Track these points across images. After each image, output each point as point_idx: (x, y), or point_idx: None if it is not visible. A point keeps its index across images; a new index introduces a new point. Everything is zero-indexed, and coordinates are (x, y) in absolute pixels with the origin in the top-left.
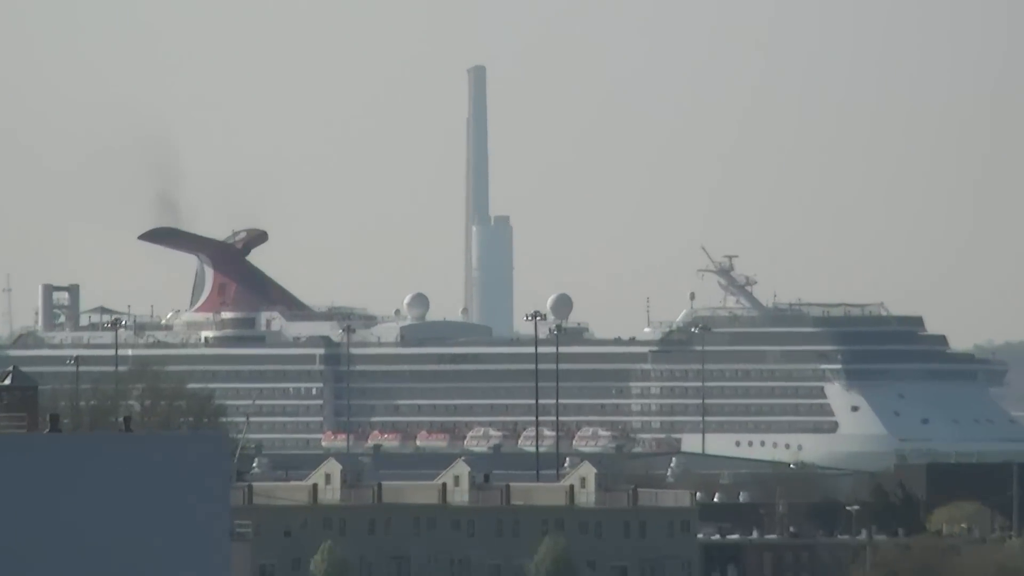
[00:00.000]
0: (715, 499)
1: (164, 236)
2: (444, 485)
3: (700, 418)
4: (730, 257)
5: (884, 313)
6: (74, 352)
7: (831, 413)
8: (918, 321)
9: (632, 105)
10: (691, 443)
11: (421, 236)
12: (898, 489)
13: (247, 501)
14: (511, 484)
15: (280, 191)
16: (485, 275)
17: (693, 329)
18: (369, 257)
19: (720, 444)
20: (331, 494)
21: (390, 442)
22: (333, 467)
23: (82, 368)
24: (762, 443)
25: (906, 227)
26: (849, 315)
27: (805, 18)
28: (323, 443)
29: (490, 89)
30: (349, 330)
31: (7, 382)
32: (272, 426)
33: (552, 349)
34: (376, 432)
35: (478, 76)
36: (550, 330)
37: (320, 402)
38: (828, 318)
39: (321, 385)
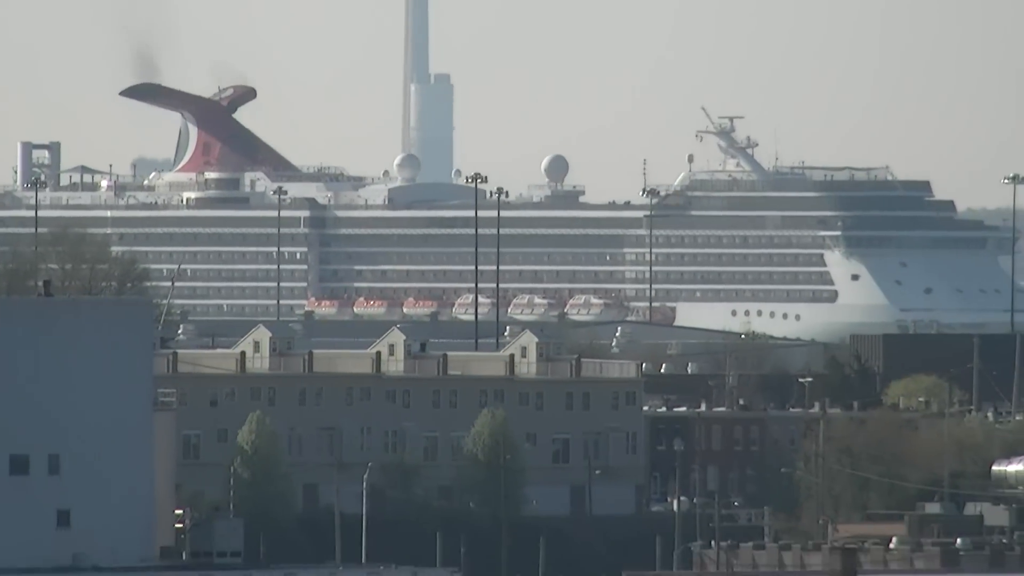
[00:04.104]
0: (662, 370)
1: (146, 93)
2: (378, 354)
3: (696, 286)
4: (731, 118)
5: (889, 177)
6: (53, 213)
7: (831, 282)
8: (925, 186)
9: None
10: (687, 312)
11: (358, 94)
12: (853, 361)
13: (171, 369)
14: (448, 354)
15: (266, 46)
16: (423, 136)
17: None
18: (324, 116)
19: (716, 314)
20: (260, 363)
21: (376, 309)
22: (262, 334)
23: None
24: (759, 312)
25: (918, 84)
26: (853, 179)
27: None
28: (307, 309)
29: None
30: (281, 192)
31: None
32: (255, 291)
33: (550, 213)
34: (361, 299)
35: None
36: (489, 193)
37: (304, 267)
38: (830, 182)
39: (305, 249)
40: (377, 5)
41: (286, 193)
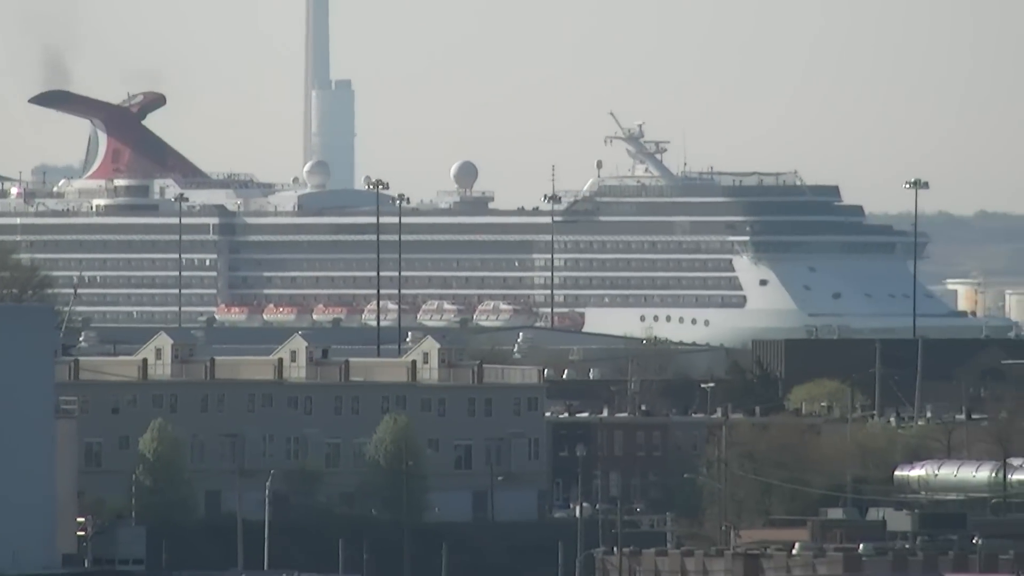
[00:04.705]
0: (564, 376)
1: (56, 99)
2: (280, 361)
3: (605, 292)
4: (640, 124)
5: (798, 182)
6: None
7: (739, 287)
8: (833, 191)
9: None
10: (596, 318)
11: (264, 101)
12: (755, 366)
13: (73, 377)
14: (350, 360)
15: (173, 52)
16: (325, 142)
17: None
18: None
19: (625, 319)
20: (162, 369)
21: (286, 315)
22: (164, 341)
23: None
24: (668, 318)
25: (825, 90)
26: (762, 184)
27: None
28: (217, 316)
29: None
30: (182, 199)
31: None
32: (164, 298)
33: (459, 219)
34: (271, 305)
35: None
36: (392, 200)
37: (214, 274)
38: (738, 187)
39: (215, 256)
40: (280, 11)
41: (187, 200)
